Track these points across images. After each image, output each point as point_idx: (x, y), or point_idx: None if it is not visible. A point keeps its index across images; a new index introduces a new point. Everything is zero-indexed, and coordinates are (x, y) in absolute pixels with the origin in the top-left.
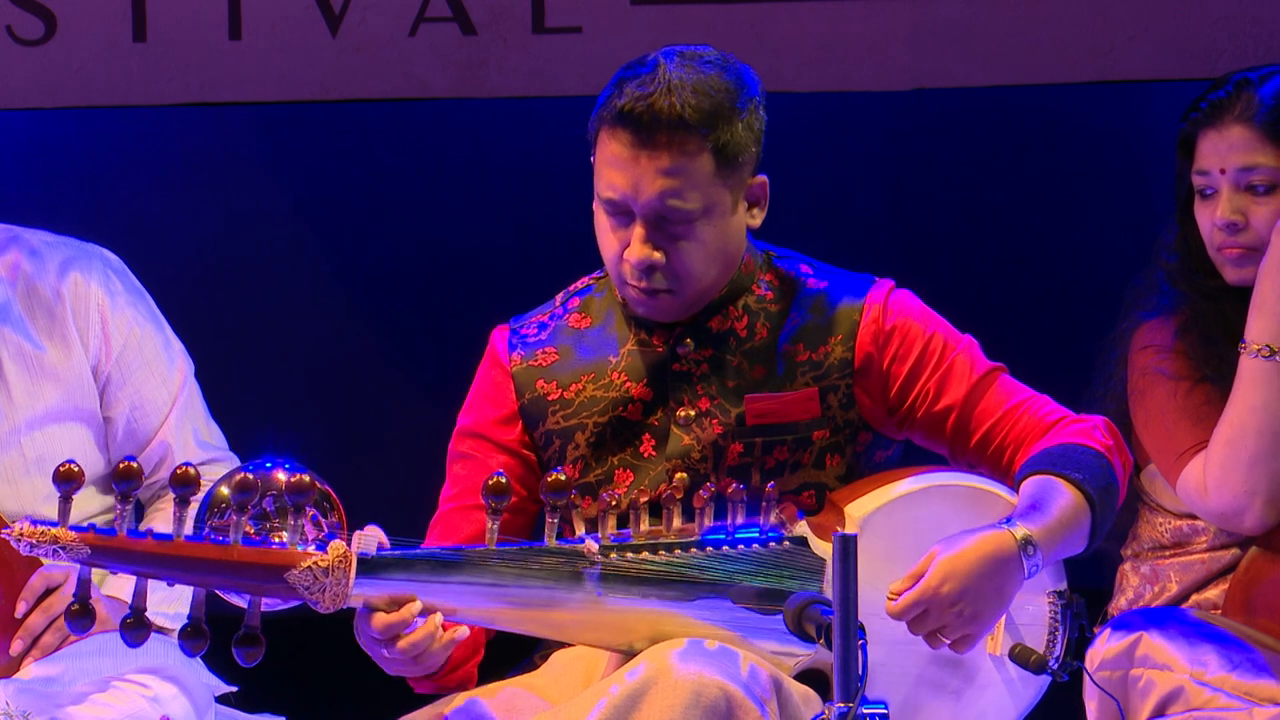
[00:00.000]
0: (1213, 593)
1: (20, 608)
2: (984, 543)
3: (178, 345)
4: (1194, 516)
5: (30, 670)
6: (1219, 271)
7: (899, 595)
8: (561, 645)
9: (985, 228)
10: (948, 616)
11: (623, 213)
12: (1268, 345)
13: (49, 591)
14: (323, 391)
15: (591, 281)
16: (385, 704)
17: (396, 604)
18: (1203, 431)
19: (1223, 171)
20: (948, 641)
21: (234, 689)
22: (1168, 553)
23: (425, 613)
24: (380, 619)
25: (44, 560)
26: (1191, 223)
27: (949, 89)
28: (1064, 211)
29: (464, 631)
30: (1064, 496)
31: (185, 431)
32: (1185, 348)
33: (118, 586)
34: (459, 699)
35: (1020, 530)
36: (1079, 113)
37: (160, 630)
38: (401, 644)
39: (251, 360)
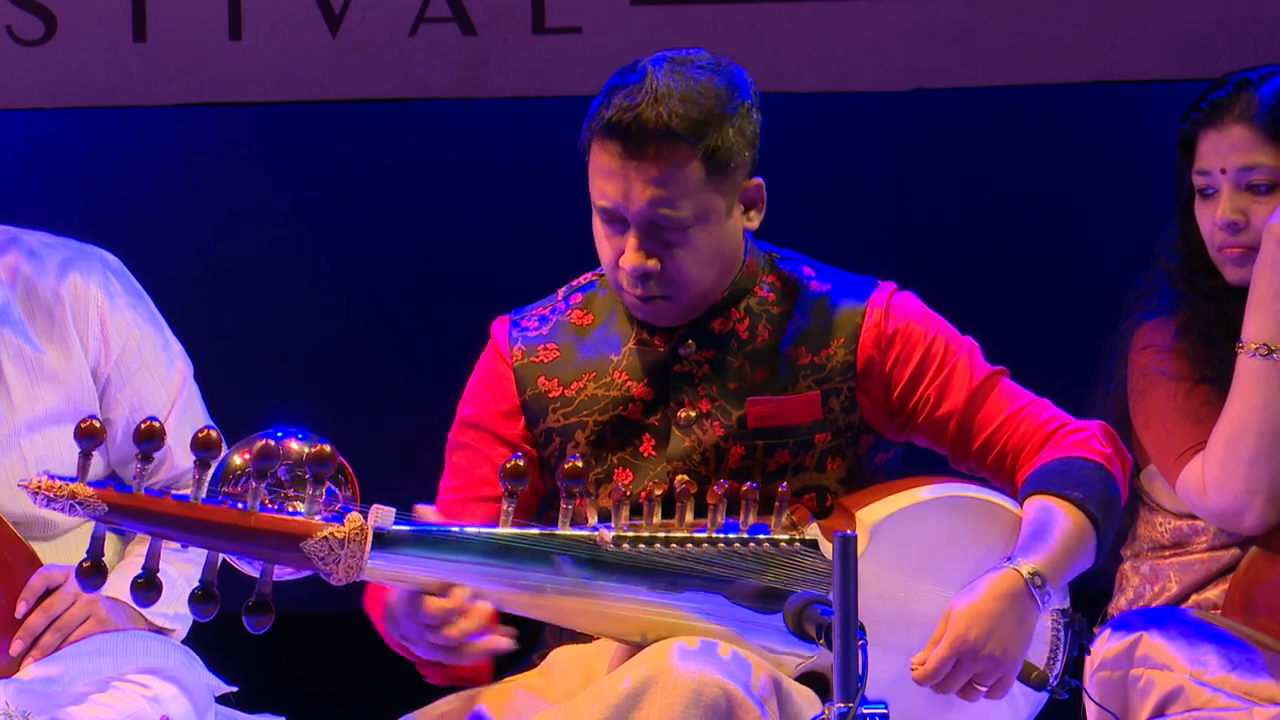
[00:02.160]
0: (1213, 593)
1: (20, 608)
2: (995, 585)
3: (177, 346)
4: (1194, 517)
5: (30, 670)
6: (1220, 271)
7: (925, 660)
8: (561, 644)
9: (985, 228)
10: (980, 662)
11: (617, 220)
12: (1265, 344)
13: (49, 591)
14: (323, 391)
15: (594, 278)
16: (385, 704)
17: (446, 589)
18: (1202, 432)
19: (1223, 171)
20: (984, 689)
21: (234, 689)
22: (1167, 553)
23: (474, 599)
24: (435, 603)
25: (56, 514)
26: (1192, 223)
27: (949, 89)
28: (1064, 211)
29: (506, 644)
30: (1065, 521)
31: (185, 433)
32: (1185, 348)
33: (118, 589)
34: (458, 699)
35: (1025, 566)
36: (1079, 113)
37: (161, 630)
38: (452, 630)
39: (251, 360)
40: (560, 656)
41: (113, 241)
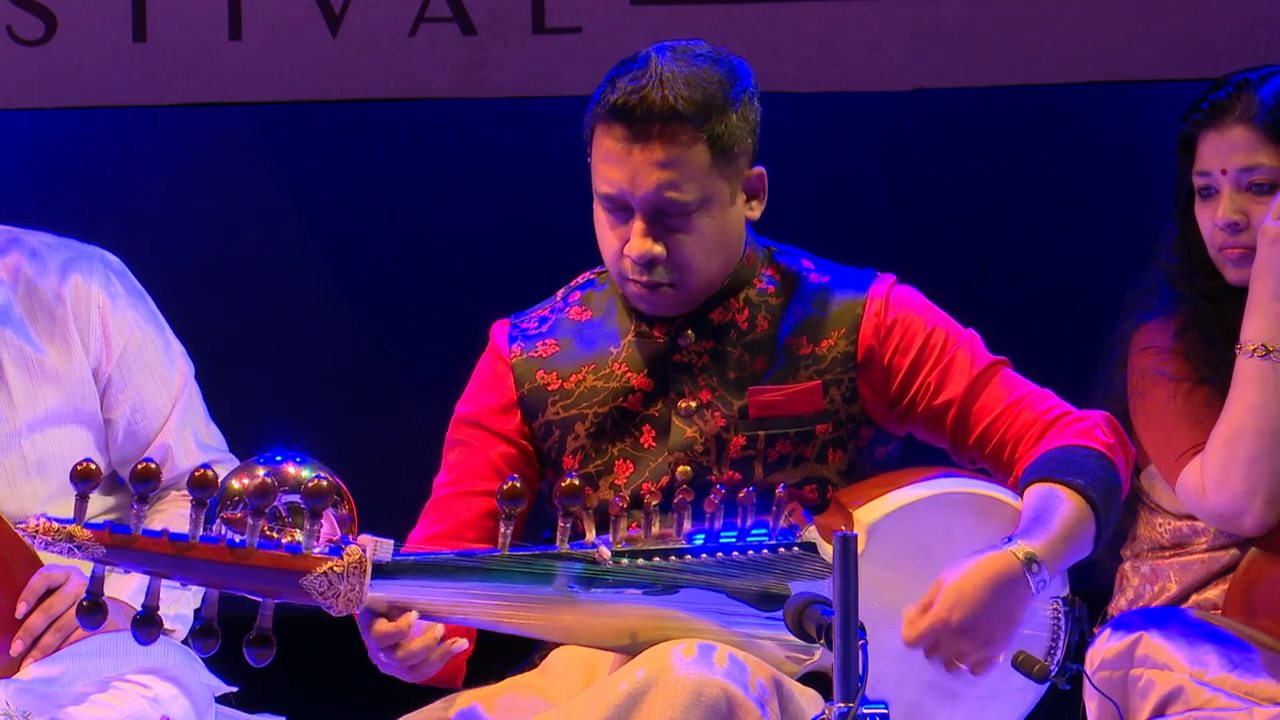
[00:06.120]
0: (1213, 593)
1: (21, 608)
2: (988, 565)
3: (178, 347)
4: (1193, 517)
5: (30, 670)
6: (1220, 272)
7: (913, 621)
8: (561, 645)
9: (985, 227)
10: (961, 644)
11: (621, 208)
12: (1264, 345)
13: (49, 592)
14: (322, 392)
15: (593, 276)
16: (385, 704)
17: (397, 610)
18: (1201, 433)
19: (1224, 172)
20: (964, 666)
21: (234, 689)
22: (1167, 553)
23: (425, 617)
24: (380, 627)
25: (54, 558)
26: (1191, 223)
27: (949, 89)
28: (1064, 211)
29: (462, 644)
30: (1066, 506)
31: (185, 433)
32: (1184, 349)
33: (119, 587)
34: (459, 699)
35: (1023, 549)
36: (1079, 113)
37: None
38: (399, 653)
39: (251, 360)
40: (560, 656)
41: (113, 241)
